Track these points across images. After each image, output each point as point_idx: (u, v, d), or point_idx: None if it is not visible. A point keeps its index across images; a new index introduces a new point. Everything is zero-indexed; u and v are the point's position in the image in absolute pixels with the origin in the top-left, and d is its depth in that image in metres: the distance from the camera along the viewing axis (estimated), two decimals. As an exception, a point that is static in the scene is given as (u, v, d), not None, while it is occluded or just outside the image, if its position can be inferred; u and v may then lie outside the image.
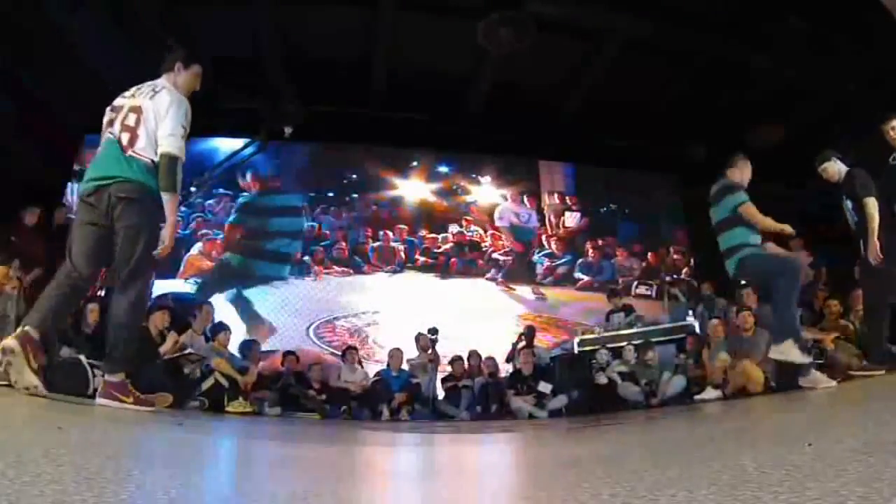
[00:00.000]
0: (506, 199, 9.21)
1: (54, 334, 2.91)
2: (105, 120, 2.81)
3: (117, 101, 2.82)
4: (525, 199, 9.27)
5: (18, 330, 2.51)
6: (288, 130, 6.28)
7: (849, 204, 4.01)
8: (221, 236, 8.14)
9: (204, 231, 8.10)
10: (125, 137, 2.70)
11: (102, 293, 5.20)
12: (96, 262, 2.72)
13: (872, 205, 3.80)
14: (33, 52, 6.26)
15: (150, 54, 6.84)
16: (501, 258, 8.89)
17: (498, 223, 9.07)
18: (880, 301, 3.88)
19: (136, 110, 2.74)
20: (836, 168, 4.08)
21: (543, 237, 9.14)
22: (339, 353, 6.70)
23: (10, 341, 2.42)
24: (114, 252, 2.66)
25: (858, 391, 3.35)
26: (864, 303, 4.22)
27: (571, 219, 9.33)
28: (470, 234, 8.93)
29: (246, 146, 6.37)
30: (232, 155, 6.55)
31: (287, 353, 6.20)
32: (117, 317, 2.69)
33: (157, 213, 2.70)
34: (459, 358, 6.56)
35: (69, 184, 7.54)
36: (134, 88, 2.86)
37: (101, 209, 2.64)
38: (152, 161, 2.69)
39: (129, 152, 2.68)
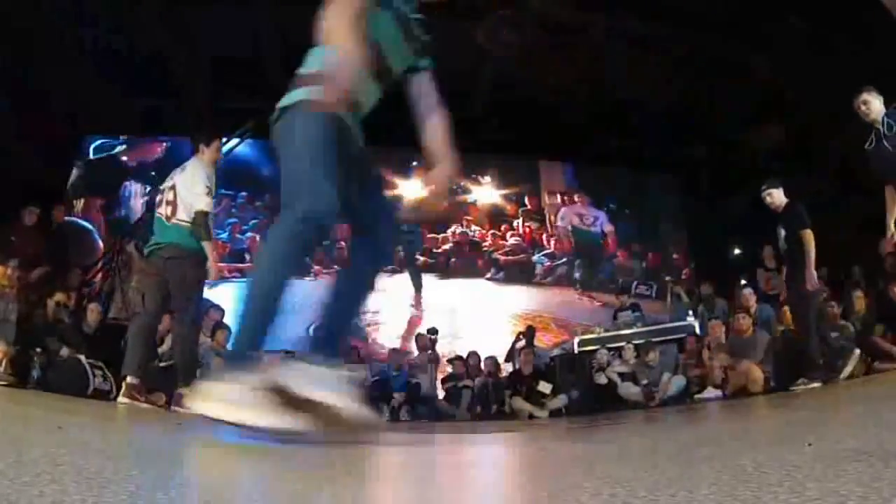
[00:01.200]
0: (570, 200, 9.15)
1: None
2: (156, 201, 3.72)
3: (163, 185, 3.70)
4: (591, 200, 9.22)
5: (124, 386, 3.29)
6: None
7: (781, 233, 4.27)
8: (225, 236, 8.14)
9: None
10: (168, 210, 3.50)
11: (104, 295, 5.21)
12: (161, 302, 3.49)
13: (809, 237, 4.06)
14: (33, 51, 6.26)
15: (149, 55, 6.93)
16: (502, 258, 8.89)
17: (559, 224, 9.07)
18: (810, 321, 4.20)
19: (173, 188, 3.54)
20: (779, 196, 4.36)
21: (543, 236, 9.14)
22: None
23: (123, 399, 3.25)
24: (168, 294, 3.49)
25: (858, 391, 3.35)
26: (796, 323, 4.52)
27: (606, 221, 9.34)
28: (471, 233, 8.93)
29: (234, 135, 6.28)
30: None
31: (287, 354, 6.19)
32: (178, 337, 3.52)
33: (195, 263, 3.43)
34: (459, 358, 6.56)
35: (127, 183, 7.62)
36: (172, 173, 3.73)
37: (158, 265, 3.49)
38: (189, 223, 3.42)
39: (173, 221, 3.46)
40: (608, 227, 9.21)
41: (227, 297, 7.64)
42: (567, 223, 9.09)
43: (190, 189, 3.44)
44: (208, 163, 3.66)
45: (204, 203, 3.40)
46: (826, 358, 4.22)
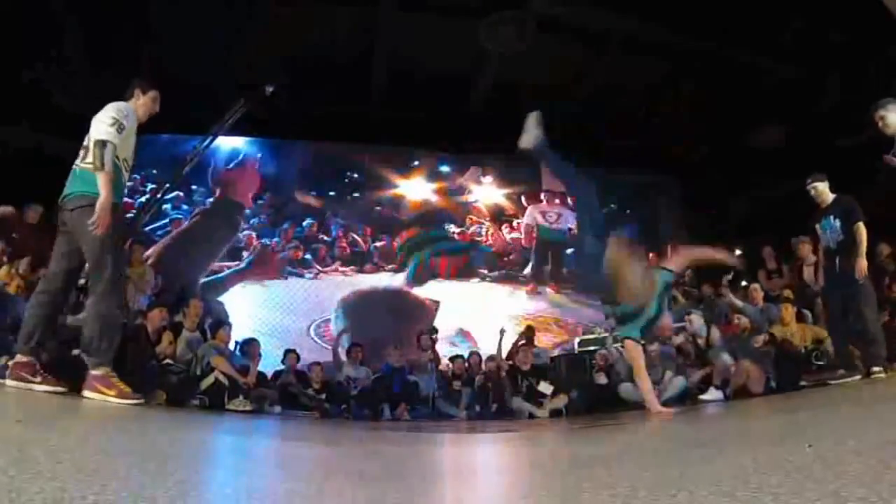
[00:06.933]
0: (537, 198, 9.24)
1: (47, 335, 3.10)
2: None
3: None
4: (559, 199, 9.23)
5: (10, 366, 2.82)
6: (269, 89, 6.24)
7: (837, 224, 4.27)
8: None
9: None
10: (81, 155, 3.05)
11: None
12: (67, 264, 3.00)
13: (863, 230, 4.12)
14: (35, 49, 6.27)
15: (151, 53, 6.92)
16: (503, 258, 8.90)
17: (526, 220, 9.11)
18: (865, 310, 4.14)
19: (87, 130, 3.04)
20: (824, 189, 4.38)
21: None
22: (344, 350, 6.66)
23: (11, 381, 2.75)
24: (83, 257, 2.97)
25: (858, 391, 3.35)
26: (829, 313, 4.53)
27: (572, 219, 9.34)
28: (470, 232, 8.94)
29: (227, 115, 6.18)
30: (216, 130, 6.34)
31: (288, 351, 6.19)
32: (95, 309, 2.92)
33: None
34: (459, 357, 6.56)
35: None
36: None
37: (63, 220, 3.00)
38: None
39: (81, 166, 3.01)
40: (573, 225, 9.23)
41: (226, 296, 7.67)
42: (532, 221, 9.11)
43: (97, 123, 2.99)
44: (139, 109, 3.22)
45: (104, 132, 2.93)
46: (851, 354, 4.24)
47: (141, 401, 2.95)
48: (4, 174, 5.96)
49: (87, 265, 2.98)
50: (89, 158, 2.94)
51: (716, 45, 7.05)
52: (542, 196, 9.25)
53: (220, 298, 7.54)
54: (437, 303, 8.16)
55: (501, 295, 8.63)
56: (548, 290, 8.76)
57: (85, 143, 3.05)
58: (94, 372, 2.87)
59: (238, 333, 6.09)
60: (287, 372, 5.90)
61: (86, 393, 2.85)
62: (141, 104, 3.23)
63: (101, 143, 2.90)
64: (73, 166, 3.09)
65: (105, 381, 2.84)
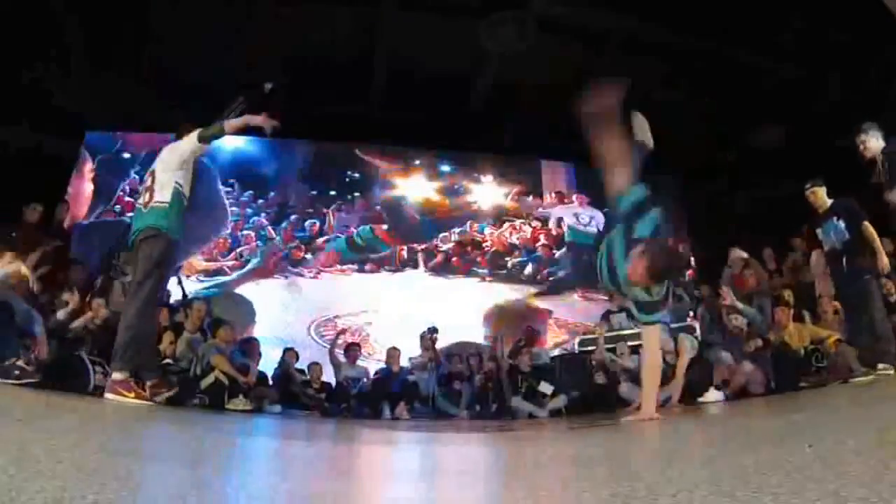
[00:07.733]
0: (568, 199, 9.20)
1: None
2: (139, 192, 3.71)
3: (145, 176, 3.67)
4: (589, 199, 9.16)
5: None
6: (268, 86, 6.28)
7: (841, 224, 4.30)
8: (227, 233, 8.16)
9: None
10: (146, 196, 3.45)
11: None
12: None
13: (871, 228, 4.19)
14: (34, 49, 6.27)
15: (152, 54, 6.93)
16: (504, 257, 8.89)
17: (555, 221, 9.08)
18: (873, 309, 4.17)
19: (153, 173, 3.52)
20: (822, 194, 4.43)
21: (542, 237, 9.15)
22: (342, 350, 6.67)
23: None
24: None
25: (859, 392, 3.35)
26: (847, 310, 4.57)
27: (601, 221, 9.32)
28: (471, 229, 8.93)
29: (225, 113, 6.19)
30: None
31: (287, 350, 6.19)
32: (127, 321, 3.14)
33: (167, 241, 3.33)
34: (459, 356, 6.56)
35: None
36: None
37: (134, 254, 3.38)
38: (165, 203, 3.35)
39: (150, 205, 3.39)
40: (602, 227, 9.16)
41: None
42: (564, 224, 9.08)
43: (172, 157, 3.46)
44: (197, 151, 3.60)
45: (191, 144, 3.46)
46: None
47: (155, 403, 3.19)
48: (4, 174, 5.96)
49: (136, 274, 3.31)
50: (158, 197, 3.36)
51: (716, 45, 7.04)
52: (574, 197, 9.24)
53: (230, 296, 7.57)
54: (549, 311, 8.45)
55: (506, 294, 8.62)
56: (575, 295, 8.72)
57: (148, 184, 3.45)
58: (115, 376, 3.09)
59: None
60: (286, 370, 5.90)
61: (107, 395, 3.06)
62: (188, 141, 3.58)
63: (201, 138, 3.44)
64: (138, 207, 3.52)
65: (125, 385, 3.08)
